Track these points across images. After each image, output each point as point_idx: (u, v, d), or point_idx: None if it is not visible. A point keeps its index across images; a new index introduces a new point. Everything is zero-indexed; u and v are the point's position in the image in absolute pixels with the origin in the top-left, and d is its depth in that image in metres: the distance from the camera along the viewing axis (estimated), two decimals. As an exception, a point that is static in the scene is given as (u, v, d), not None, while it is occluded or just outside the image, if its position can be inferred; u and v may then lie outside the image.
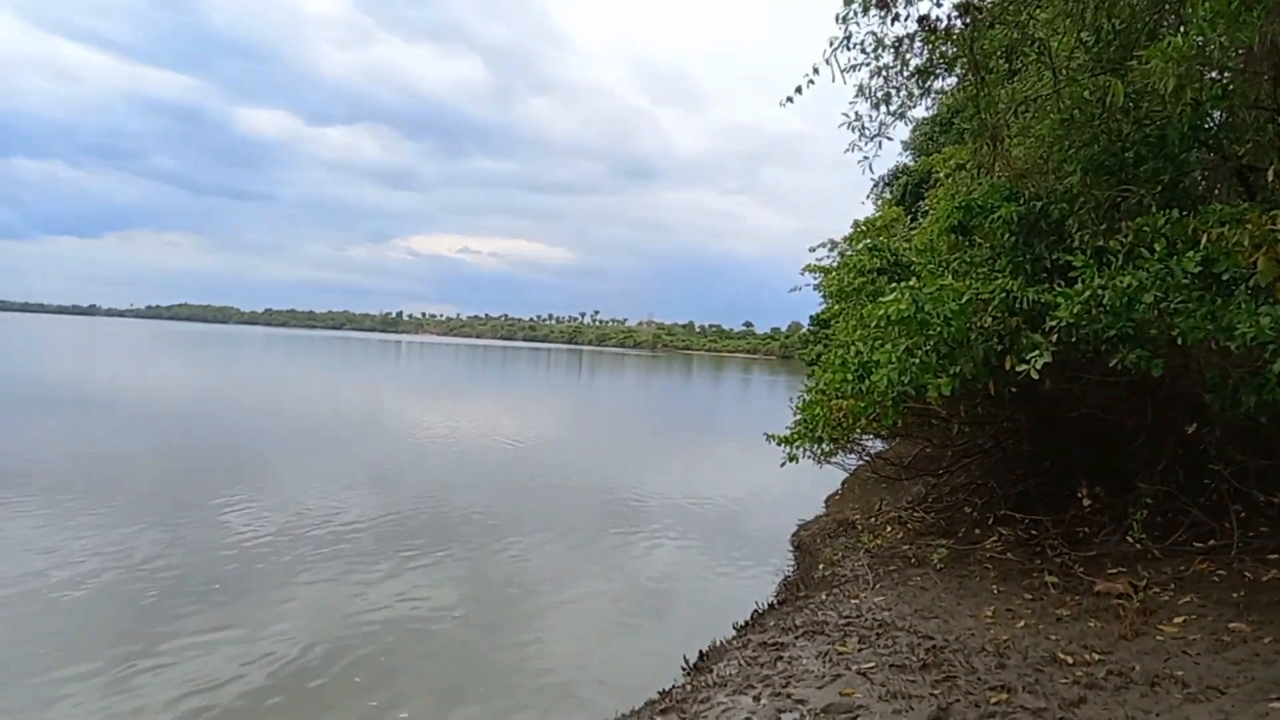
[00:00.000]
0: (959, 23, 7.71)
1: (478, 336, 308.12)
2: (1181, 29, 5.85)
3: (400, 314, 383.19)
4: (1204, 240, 5.59)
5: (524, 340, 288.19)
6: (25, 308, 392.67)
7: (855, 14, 7.80)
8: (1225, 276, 5.54)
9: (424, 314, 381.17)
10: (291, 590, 8.75)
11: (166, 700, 6.12)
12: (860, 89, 8.48)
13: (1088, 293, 5.91)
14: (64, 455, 15.57)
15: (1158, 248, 5.78)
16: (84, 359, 50.17)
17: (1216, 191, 7.67)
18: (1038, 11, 7.62)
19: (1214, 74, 6.49)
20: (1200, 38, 5.60)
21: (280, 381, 42.07)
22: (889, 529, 9.85)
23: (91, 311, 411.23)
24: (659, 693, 5.84)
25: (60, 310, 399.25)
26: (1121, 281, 5.74)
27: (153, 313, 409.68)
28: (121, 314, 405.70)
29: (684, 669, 6.45)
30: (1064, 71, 7.43)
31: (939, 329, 6.71)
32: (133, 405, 26.05)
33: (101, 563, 9.15)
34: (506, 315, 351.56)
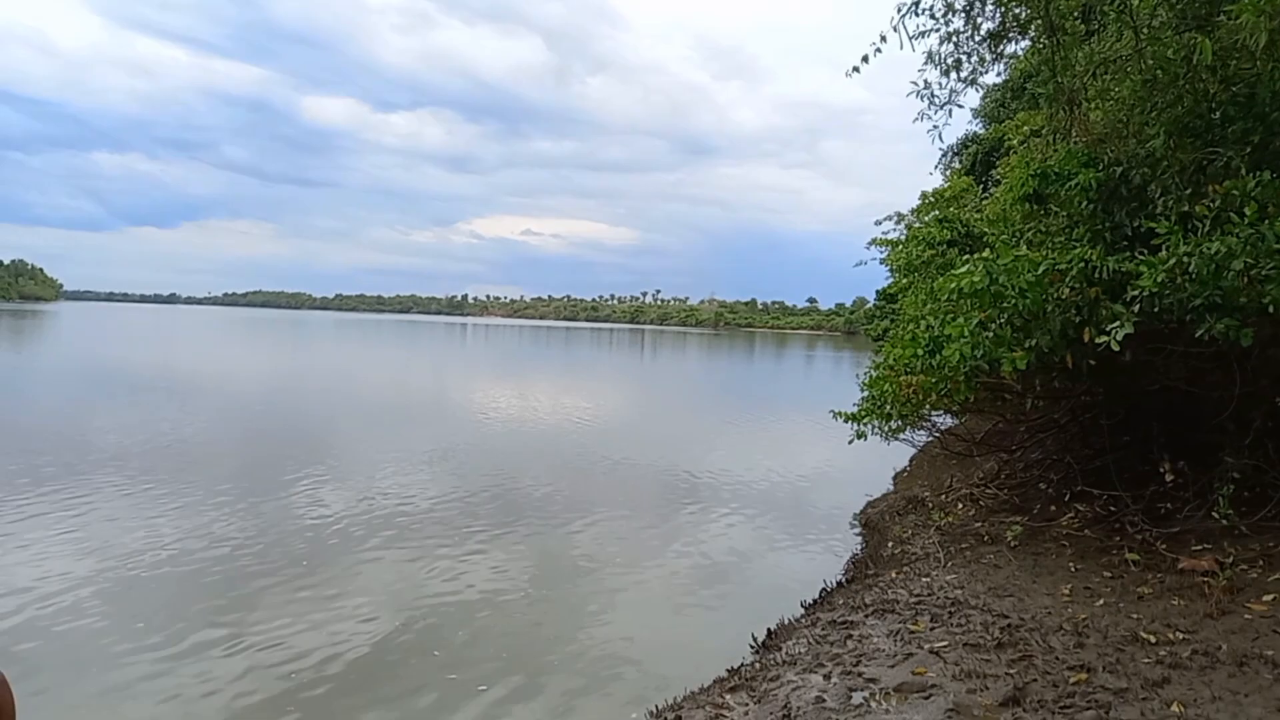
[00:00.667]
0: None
1: (541, 318, 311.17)
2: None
3: (465, 297, 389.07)
4: (1297, 203, 5.33)
5: (587, 321, 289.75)
6: (110, 298, 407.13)
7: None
8: (1321, 241, 5.27)
9: (489, 296, 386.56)
10: (369, 567, 9.00)
11: (252, 671, 6.37)
12: (929, 56, 8.25)
13: (1172, 260, 5.67)
14: (156, 437, 16.22)
15: (1248, 212, 5.50)
16: (172, 346, 52.13)
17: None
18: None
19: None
20: (1295, -12, 5.30)
21: (353, 365, 43.12)
22: (960, 506, 9.68)
23: (172, 300, 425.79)
24: (728, 670, 5.84)
25: (143, 299, 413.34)
26: (1209, 248, 5.49)
27: (229, 300, 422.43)
28: (200, 302, 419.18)
29: (752, 647, 6.45)
30: (1146, 30, 7.10)
31: (1014, 301, 6.52)
32: (217, 390, 27.01)
33: (189, 540, 9.55)
34: (569, 296, 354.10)
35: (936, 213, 13.26)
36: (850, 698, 4.64)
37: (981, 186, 18.77)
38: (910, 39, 7.68)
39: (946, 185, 19.29)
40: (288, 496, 11.85)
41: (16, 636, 6.82)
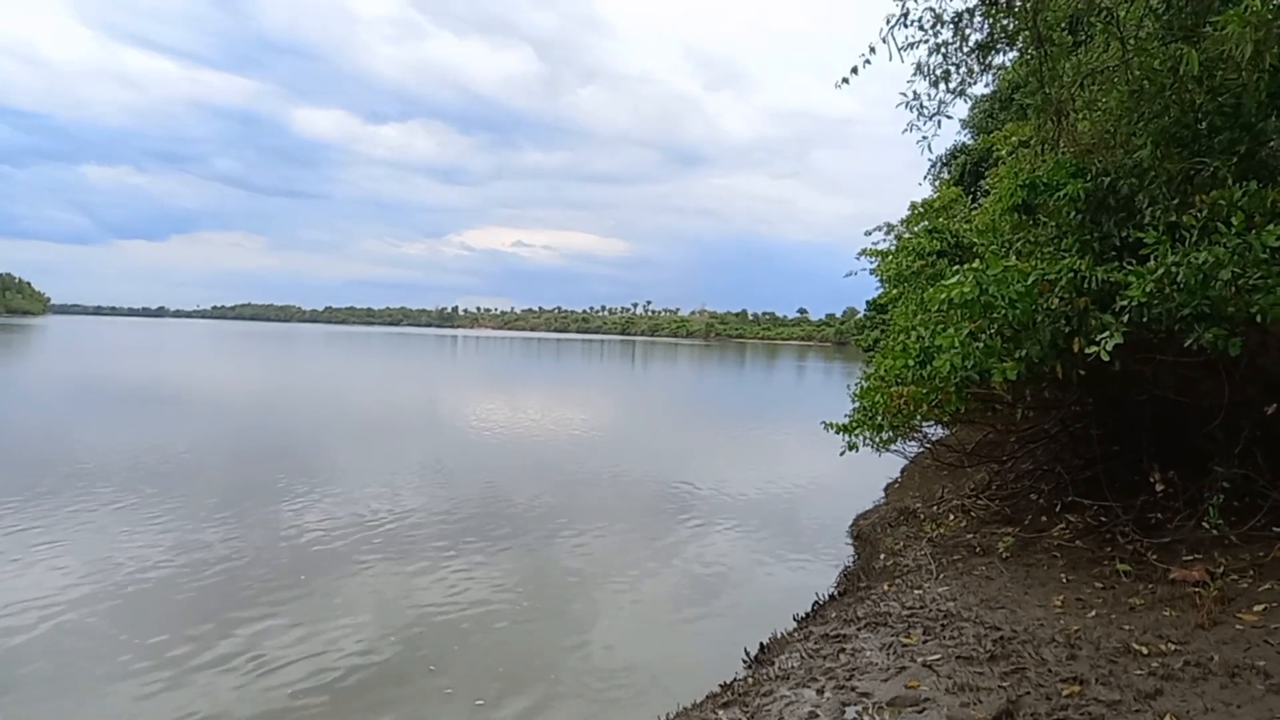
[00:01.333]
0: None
1: (532, 329, 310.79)
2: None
3: (456, 309, 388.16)
4: (1284, 213, 5.35)
5: (577, 332, 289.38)
6: (99, 311, 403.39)
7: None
8: (1308, 251, 5.30)
9: (479, 308, 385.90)
10: (364, 581, 8.94)
11: (247, 687, 6.30)
12: (918, 67, 8.28)
13: (1161, 270, 5.69)
14: (148, 452, 16.06)
15: (1235, 221, 5.53)
16: (162, 360, 51.89)
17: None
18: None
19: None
20: (1280, -1, 5.33)
21: (345, 378, 42.96)
22: (952, 517, 9.66)
23: (161, 313, 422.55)
24: (720, 685, 5.79)
25: (131, 313, 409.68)
26: (1197, 258, 5.51)
27: (218, 313, 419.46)
28: (189, 315, 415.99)
29: (745, 661, 6.40)
30: (1133, 41, 7.14)
31: (1004, 311, 6.53)
32: (208, 403, 26.86)
33: (181, 555, 9.46)
34: (560, 308, 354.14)
35: (926, 223, 13.32)
36: (844, 713, 4.61)
37: (970, 197, 18.87)
38: (899, 50, 7.72)
39: (936, 196, 19.37)
40: (281, 511, 11.76)
41: (5, 653, 6.74)
